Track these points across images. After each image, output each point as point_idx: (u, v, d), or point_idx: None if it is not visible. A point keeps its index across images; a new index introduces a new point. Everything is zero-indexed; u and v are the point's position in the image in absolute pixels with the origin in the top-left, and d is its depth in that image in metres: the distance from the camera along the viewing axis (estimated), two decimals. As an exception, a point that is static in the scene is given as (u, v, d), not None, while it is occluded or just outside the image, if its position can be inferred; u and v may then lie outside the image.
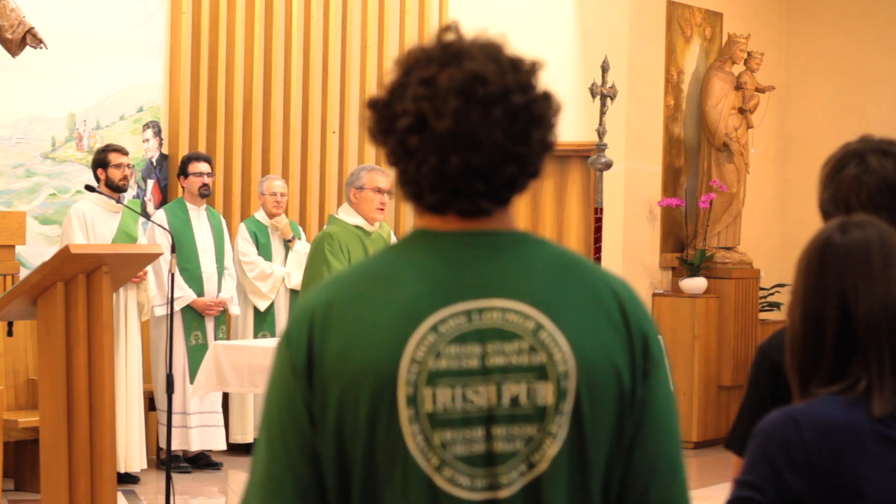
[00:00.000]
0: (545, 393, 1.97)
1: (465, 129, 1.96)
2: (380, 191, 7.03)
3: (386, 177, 7.18)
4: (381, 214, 7.13)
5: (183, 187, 9.41)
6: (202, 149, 9.92)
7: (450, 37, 2.01)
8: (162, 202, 9.82)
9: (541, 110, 2.00)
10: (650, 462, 2.02)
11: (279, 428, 1.99)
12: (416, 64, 2.00)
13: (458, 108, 1.95)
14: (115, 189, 8.64)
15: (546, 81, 2.05)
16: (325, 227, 7.24)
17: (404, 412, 1.95)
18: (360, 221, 7.01)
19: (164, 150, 9.95)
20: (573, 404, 1.97)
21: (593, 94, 9.78)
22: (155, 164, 9.93)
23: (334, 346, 1.97)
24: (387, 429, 1.95)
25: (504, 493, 1.96)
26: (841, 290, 2.40)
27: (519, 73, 1.99)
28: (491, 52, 1.99)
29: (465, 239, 2.02)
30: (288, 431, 1.98)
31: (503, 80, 1.97)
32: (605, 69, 9.93)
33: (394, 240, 10.02)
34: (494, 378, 1.96)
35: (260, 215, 9.84)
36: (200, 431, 9.15)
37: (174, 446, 8.93)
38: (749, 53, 11.59)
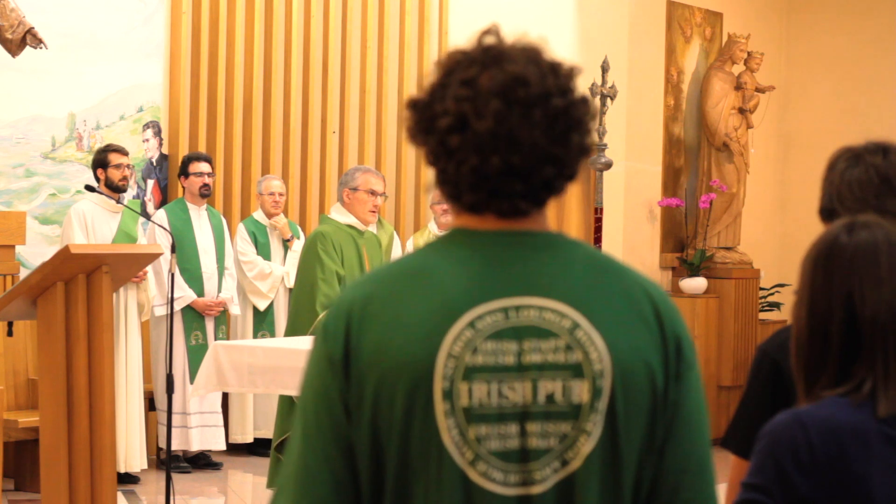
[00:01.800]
0: (580, 391, 1.99)
1: (506, 131, 1.98)
2: (373, 193, 7.02)
3: (380, 179, 7.17)
4: (373, 217, 7.13)
5: (183, 187, 9.41)
6: (202, 149, 9.92)
7: (490, 39, 2.04)
8: (162, 202, 9.82)
9: (579, 114, 2.03)
10: (680, 463, 2.04)
11: (315, 420, 2.01)
12: (457, 65, 2.03)
13: (498, 109, 1.98)
14: (115, 189, 8.64)
15: None
16: (317, 226, 7.23)
17: (440, 406, 1.97)
18: (353, 221, 7.01)
19: (164, 150, 9.95)
20: (608, 403, 2.00)
21: (593, 94, 9.79)
22: (155, 164, 9.93)
23: (371, 340, 1.99)
24: (422, 422, 1.97)
25: (537, 489, 1.98)
26: (847, 291, 2.40)
27: (559, 77, 2.02)
28: (531, 55, 2.02)
29: (503, 238, 2.04)
30: (323, 423, 2.01)
31: (544, 83, 2.00)
32: (605, 69, 9.94)
33: (396, 240, 10.04)
34: (530, 375, 1.99)
35: (259, 215, 9.84)
36: (200, 431, 9.15)
37: (174, 446, 8.93)
38: (749, 53, 11.59)
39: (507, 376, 1.98)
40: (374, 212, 7.07)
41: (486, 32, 2.05)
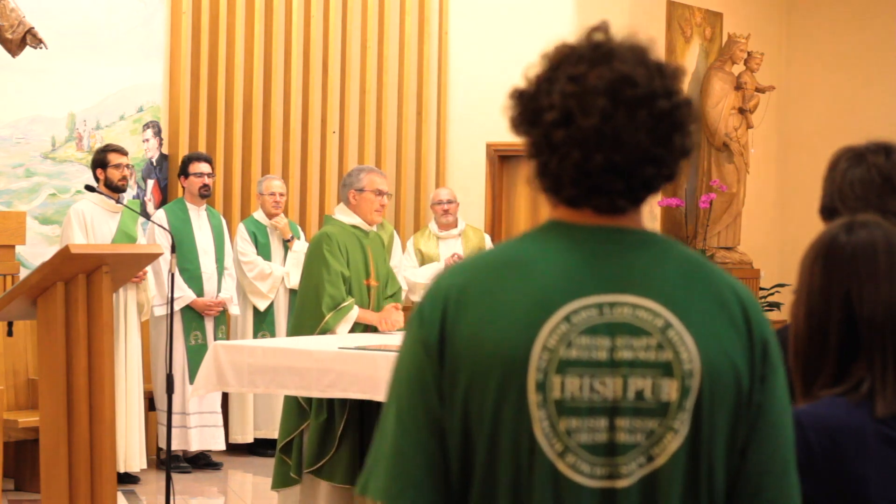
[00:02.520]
0: (669, 389, 2.02)
1: (611, 129, 2.00)
2: (380, 192, 7.02)
3: (384, 178, 7.17)
4: (379, 217, 7.13)
5: (183, 187, 9.41)
6: (202, 149, 9.91)
7: (599, 36, 2.05)
8: (162, 202, 9.81)
9: (683, 116, 2.05)
10: (763, 465, 2.07)
11: (409, 403, 2.04)
12: (565, 60, 2.04)
13: (605, 107, 2.00)
14: (115, 189, 8.64)
15: None
16: (321, 227, 7.23)
17: (533, 397, 2.00)
18: (358, 221, 7.00)
19: (164, 150, 9.95)
20: (695, 402, 2.02)
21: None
22: (155, 164, 9.93)
23: (467, 328, 2.02)
24: (514, 412, 2.00)
25: (622, 483, 2.01)
26: (845, 290, 2.40)
27: (665, 78, 2.04)
28: (639, 54, 2.04)
29: (600, 234, 2.07)
30: (417, 407, 2.03)
31: (651, 84, 2.02)
32: (605, 69, 9.92)
33: (396, 240, 10.05)
34: (622, 371, 2.01)
35: (259, 215, 9.84)
36: (200, 431, 9.15)
37: (174, 446, 8.93)
38: (749, 53, 11.59)
39: (599, 371, 2.01)
40: (379, 211, 7.08)
41: (596, 29, 2.06)
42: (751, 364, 2.06)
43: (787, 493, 2.08)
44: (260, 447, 9.78)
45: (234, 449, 9.63)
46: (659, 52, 2.08)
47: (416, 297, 10.13)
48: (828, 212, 2.93)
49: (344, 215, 7.03)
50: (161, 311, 8.88)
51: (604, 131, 2.00)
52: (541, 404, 2.00)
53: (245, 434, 9.75)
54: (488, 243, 10.41)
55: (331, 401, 6.52)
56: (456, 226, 10.31)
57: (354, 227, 7.00)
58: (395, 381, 2.08)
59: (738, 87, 11.52)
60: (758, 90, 11.64)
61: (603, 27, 2.06)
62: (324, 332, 6.75)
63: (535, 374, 2.00)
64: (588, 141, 2.01)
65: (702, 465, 2.03)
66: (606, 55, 2.02)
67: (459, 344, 2.02)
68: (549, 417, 2.00)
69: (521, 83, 2.08)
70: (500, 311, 2.01)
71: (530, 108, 2.05)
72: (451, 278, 2.07)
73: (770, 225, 12.51)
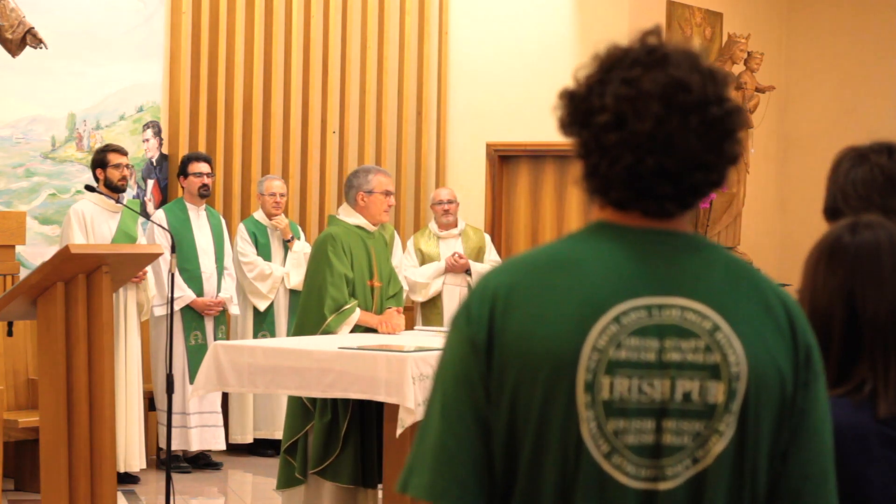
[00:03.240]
0: (716, 392, 2.02)
1: (663, 134, 2.01)
2: (388, 193, 7.04)
3: (390, 178, 7.19)
4: (387, 216, 7.16)
5: (182, 187, 9.40)
6: (202, 149, 9.91)
7: (653, 40, 2.06)
8: (162, 202, 9.81)
9: (733, 124, 2.06)
10: (803, 469, 2.07)
11: (455, 401, 2.04)
12: (619, 63, 2.05)
13: (658, 112, 2.01)
14: (115, 189, 8.64)
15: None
16: (325, 228, 7.23)
17: (581, 398, 2.00)
18: (362, 222, 7.00)
19: (164, 150, 9.94)
20: (741, 405, 2.03)
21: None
22: (155, 164, 9.92)
23: (516, 327, 2.02)
24: (562, 412, 2.00)
25: (667, 485, 2.02)
26: (849, 291, 2.40)
27: (717, 85, 2.05)
28: (693, 60, 2.05)
29: (649, 236, 2.08)
30: (464, 405, 2.03)
31: (704, 91, 2.03)
32: (605, 69, 9.91)
33: (396, 240, 10.04)
34: (670, 373, 2.02)
35: (259, 215, 9.83)
36: (200, 431, 9.14)
37: (173, 446, 8.92)
38: (749, 53, 11.59)
39: (648, 373, 2.02)
40: (387, 211, 7.11)
41: (650, 32, 2.07)
42: (795, 369, 2.07)
43: (825, 499, 2.09)
44: (260, 447, 9.78)
45: (234, 449, 9.63)
46: (709, 60, 2.09)
47: (416, 297, 10.14)
48: (831, 212, 2.93)
49: (347, 216, 7.03)
50: (161, 310, 8.88)
51: (656, 136, 2.01)
52: (589, 405, 2.00)
53: (245, 434, 9.75)
54: (488, 243, 10.42)
55: (335, 401, 6.52)
56: (456, 226, 10.31)
57: (359, 227, 7.00)
58: (440, 379, 2.08)
59: (738, 87, 11.52)
60: (758, 90, 11.64)
61: (657, 31, 2.08)
62: (325, 333, 6.75)
63: (584, 374, 2.00)
64: (640, 145, 2.02)
65: (746, 468, 2.04)
66: (661, 60, 2.04)
67: (508, 342, 2.02)
68: (596, 418, 2.00)
69: (570, 84, 2.08)
70: (549, 310, 2.02)
71: (581, 109, 2.05)
72: (499, 277, 2.07)
73: (770, 225, 12.51)
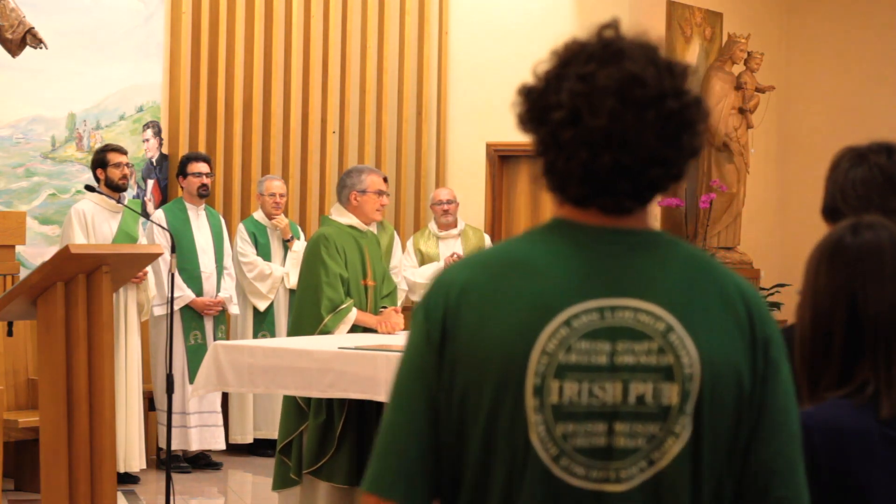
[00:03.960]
0: (670, 394, 2.01)
1: (619, 130, 1.99)
2: (380, 193, 7.04)
3: (382, 177, 7.19)
4: (380, 216, 7.16)
5: (182, 187, 9.41)
6: (202, 149, 9.91)
7: (609, 34, 2.03)
8: (162, 202, 9.81)
9: (692, 116, 2.03)
10: (768, 464, 2.06)
11: (409, 395, 2.04)
12: (575, 58, 2.02)
13: (613, 108, 1.98)
14: (115, 189, 8.64)
15: None
16: (319, 228, 7.23)
17: (530, 402, 1.99)
18: (355, 221, 7.01)
19: (164, 150, 9.95)
20: (695, 406, 2.01)
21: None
22: (155, 164, 9.92)
23: (467, 328, 2.01)
24: (510, 416, 1.99)
25: (619, 487, 2.00)
26: (851, 291, 2.40)
27: (674, 78, 2.02)
28: (650, 53, 2.02)
29: (605, 235, 2.05)
30: (418, 400, 2.03)
31: (660, 84, 2.00)
32: (605, 69, 9.91)
33: (397, 240, 10.05)
34: (622, 376, 2.00)
35: (259, 215, 9.83)
36: (199, 431, 9.14)
37: (174, 446, 8.92)
38: (749, 53, 11.59)
39: (599, 376, 2.00)
40: (380, 211, 7.10)
41: (606, 26, 2.04)
42: (752, 364, 2.04)
43: (794, 491, 2.06)
44: (260, 447, 9.78)
45: (234, 449, 9.63)
46: (666, 51, 2.06)
47: (417, 297, 10.13)
48: (830, 212, 2.93)
49: (340, 216, 7.03)
50: (161, 310, 8.88)
51: (612, 132, 1.99)
52: (537, 409, 1.99)
53: (245, 434, 9.75)
54: (488, 243, 10.41)
55: (329, 401, 6.52)
56: (456, 226, 10.32)
57: (351, 227, 7.00)
58: (398, 373, 2.08)
59: (738, 87, 11.52)
60: (758, 90, 11.64)
61: (613, 24, 2.05)
62: (323, 333, 6.75)
63: (532, 378, 1.99)
64: (596, 141, 1.99)
65: (704, 468, 2.02)
66: (616, 54, 2.01)
67: (459, 342, 2.01)
68: (545, 422, 1.99)
69: (529, 79, 2.06)
70: (500, 312, 2.00)
71: (538, 105, 2.04)
72: (455, 274, 2.06)
73: (770, 225, 12.51)
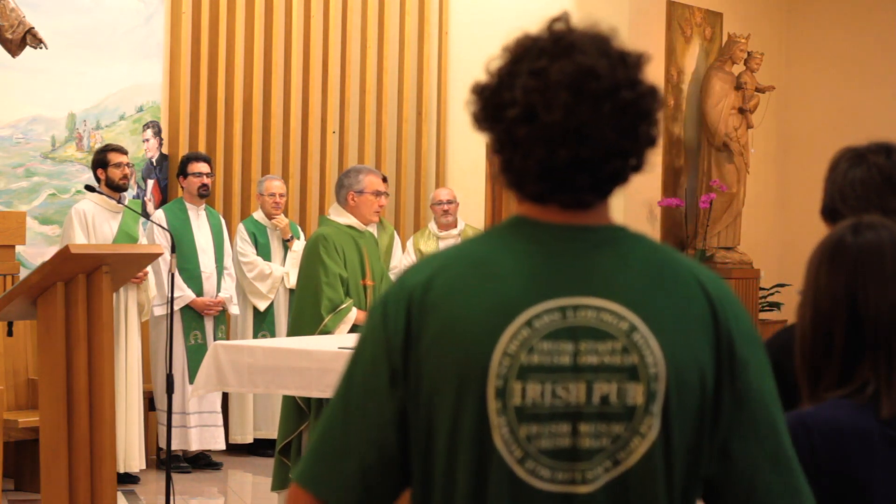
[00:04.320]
0: (635, 394, 1.98)
1: (574, 124, 1.96)
2: (378, 193, 7.04)
3: (381, 177, 7.19)
4: (377, 217, 7.15)
5: (182, 187, 9.41)
6: (202, 149, 9.91)
7: (560, 27, 2.02)
8: (162, 202, 9.81)
9: (647, 105, 2.01)
10: (749, 461, 2.03)
11: (361, 398, 2.02)
12: (526, 53, 2.00)
13: (568, 101, 1.96)
14: (116, 188, 8.65)
15: None
16: (317, 228, 7.23)
17: (492, 404, 1.96)
18: (353, 221, 7.01)
19: (164, 150, 9.95)
20: (662, 406, 1.99)
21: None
22: (155, 164, 9.93)
23: (431, 331, 1.98)
24: (472, 418, 1.97)
25: (585, 489, 1.98)
26: (851, 291, 2.40)
27: (628, 68, 2.00)
28: (602, 45, 2.00)
29: (566, 233, 2.03)
30: (369, 405, 2.01)
31: (614, 76, 1.98)
32: (605, 69, 9.92)
33: (397, 241, 10.05)
34: (586, 376, 1.98)
35: (258, 215, 9.83)
36: (199, 431, 9.15)
37: (174, 446, 8.93)
38: (749, 53, 11.59)
39: (562, 377, 1.98)
40: (378, 212, 7.10)
41: (557, 19, 2.03)
42: (717, 362, 2.02)
43: (784, 482, 2.04)
44: (260, 447, 9.78)
45: (234, 449, 9.63)
46: (622, 41, 2.03)
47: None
48: (829, 212, 2.93)
49: (338, 216, 7.03)
50: (161, 310, 8.88)
51: (568, 127, 1.96)
52: (500, 411, 1.96)
53: (245, 434, 9.75)
54: (488, 243, 10.40)
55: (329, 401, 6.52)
56: (456, 226, 10.32)
57: (350, 227, 7.00)
58: (348, 373, 2.05)
59: (738, 87, 11.52)
60: (758, 90, 11.64)
61: (563, 17, 2.03)
62: (323, 333, 6.75)
63: (495, 380, 1.96)
64: (552, 137, 1.97)
65: (675, 468, 1.99)
66: (568, 48, 1.99)
67: (423, 347, 1.99)
68: (508, 424, 1.96)
69: (482, 77, 2.03)
70: (461, 315, 1.98)
71: (492, 103, 2.01)
72: (416, 276, 2.03)
73: (770, 225, 12.51)
